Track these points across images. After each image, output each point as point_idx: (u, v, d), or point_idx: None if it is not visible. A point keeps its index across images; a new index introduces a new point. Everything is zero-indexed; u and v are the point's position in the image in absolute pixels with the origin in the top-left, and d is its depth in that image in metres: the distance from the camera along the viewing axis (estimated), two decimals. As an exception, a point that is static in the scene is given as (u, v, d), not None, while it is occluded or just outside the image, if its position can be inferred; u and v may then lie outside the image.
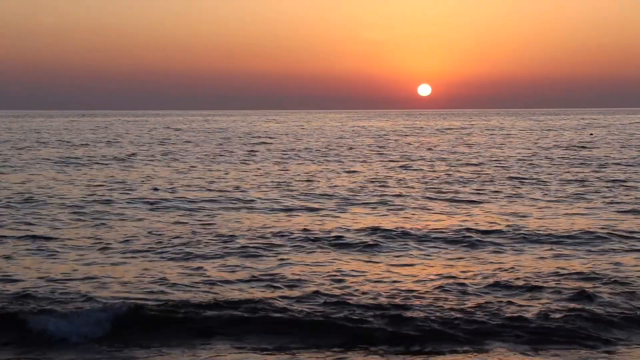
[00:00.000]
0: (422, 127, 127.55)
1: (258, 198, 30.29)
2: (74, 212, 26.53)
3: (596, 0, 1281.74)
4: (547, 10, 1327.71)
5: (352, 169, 43.66)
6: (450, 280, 16.10)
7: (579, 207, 26.69)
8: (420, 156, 54.27)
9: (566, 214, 25.16)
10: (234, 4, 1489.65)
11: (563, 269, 17.11)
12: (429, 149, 62.82)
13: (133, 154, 57.55)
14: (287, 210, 26.94)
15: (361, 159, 52.03)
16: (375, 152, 59.34)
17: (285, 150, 62.04)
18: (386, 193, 31.51)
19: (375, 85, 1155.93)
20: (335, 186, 34.55)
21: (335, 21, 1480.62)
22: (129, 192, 32.83)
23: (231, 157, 53.99)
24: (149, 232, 22.54)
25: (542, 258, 18.43)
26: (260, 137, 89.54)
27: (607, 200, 28.61)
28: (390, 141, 78.09)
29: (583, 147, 63.91)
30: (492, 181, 35.65)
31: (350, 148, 65.17)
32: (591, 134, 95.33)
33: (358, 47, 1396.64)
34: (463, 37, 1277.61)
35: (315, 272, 17.19)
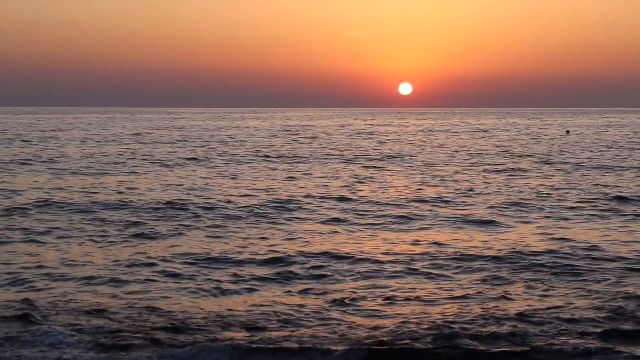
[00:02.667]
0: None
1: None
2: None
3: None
4: (531, 9, 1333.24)
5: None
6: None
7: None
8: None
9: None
10: (214, 2, 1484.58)
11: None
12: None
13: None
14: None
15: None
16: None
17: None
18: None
19: (356, 84, 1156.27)
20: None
21: (316, 19, 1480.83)
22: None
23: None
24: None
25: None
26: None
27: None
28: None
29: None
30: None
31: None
32: (567, 132, 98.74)
33: (339, 45, 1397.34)
34: (445, 36, 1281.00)
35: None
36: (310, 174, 41.00)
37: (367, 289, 16.23)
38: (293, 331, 13.19)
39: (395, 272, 17.80)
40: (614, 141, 75.78)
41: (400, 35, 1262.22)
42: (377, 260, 19.06)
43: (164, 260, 18.91)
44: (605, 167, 45.14)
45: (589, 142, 73.70)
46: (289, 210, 27.35)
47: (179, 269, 18.00)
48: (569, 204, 28.83)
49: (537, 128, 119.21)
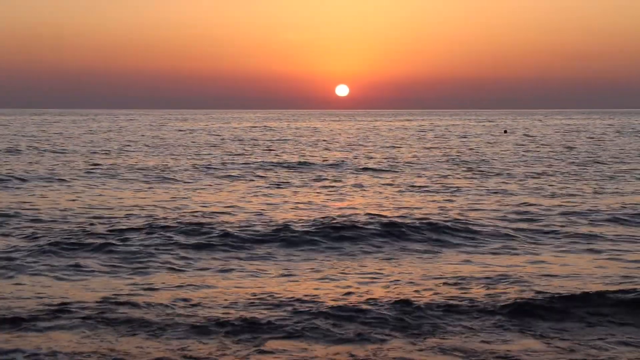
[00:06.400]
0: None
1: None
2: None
3: (519, 1, 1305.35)
4: (468, 12, 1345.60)
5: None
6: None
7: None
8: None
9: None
10: (143, 1, 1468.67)
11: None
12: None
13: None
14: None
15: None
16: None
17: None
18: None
19: (293, 86, 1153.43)
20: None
21: (252, 21, 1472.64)
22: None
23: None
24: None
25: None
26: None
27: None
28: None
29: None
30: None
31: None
32: (505, 131, 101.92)
33: (277, 48, 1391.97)
34: (382, 39, 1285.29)
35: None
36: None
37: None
38: None
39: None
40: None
41: (337, 37, 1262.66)
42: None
43: None
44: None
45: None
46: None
47: None
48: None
49: (462, 128, 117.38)
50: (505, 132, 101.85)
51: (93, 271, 17.06)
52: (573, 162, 48.32)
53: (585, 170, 42.38)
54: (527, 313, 13.65)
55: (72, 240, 20.04)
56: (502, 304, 14.06)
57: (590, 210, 26.25)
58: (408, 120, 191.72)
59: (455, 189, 32.77)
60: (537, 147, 66.56)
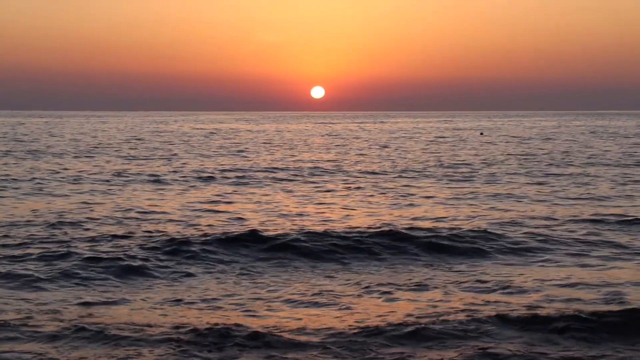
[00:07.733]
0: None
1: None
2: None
3: (494, 2, 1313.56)
4: (445, 13, 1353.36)
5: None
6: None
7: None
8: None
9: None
10: (125, 4, 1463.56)
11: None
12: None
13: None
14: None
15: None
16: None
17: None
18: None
19: (269, 88, 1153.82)
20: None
21: (228, 22, 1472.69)
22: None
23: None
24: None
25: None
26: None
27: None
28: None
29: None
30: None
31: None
32: (481, 133, 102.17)
33: (252, 49, 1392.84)
34: (358, 40, 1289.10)
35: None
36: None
37: None
38: None
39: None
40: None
41: (314, 38, 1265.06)
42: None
43: None
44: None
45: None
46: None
47: None
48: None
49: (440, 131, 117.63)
50: (482, 134, 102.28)
51: (69, 279, 16.31)
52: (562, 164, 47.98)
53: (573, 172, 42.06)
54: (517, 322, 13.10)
55: (51, 249, 19.18)
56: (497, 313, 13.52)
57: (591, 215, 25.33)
58: (382, 122, 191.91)
59: (432, 196, 31.42)
60: (515, 147, 66.47)
